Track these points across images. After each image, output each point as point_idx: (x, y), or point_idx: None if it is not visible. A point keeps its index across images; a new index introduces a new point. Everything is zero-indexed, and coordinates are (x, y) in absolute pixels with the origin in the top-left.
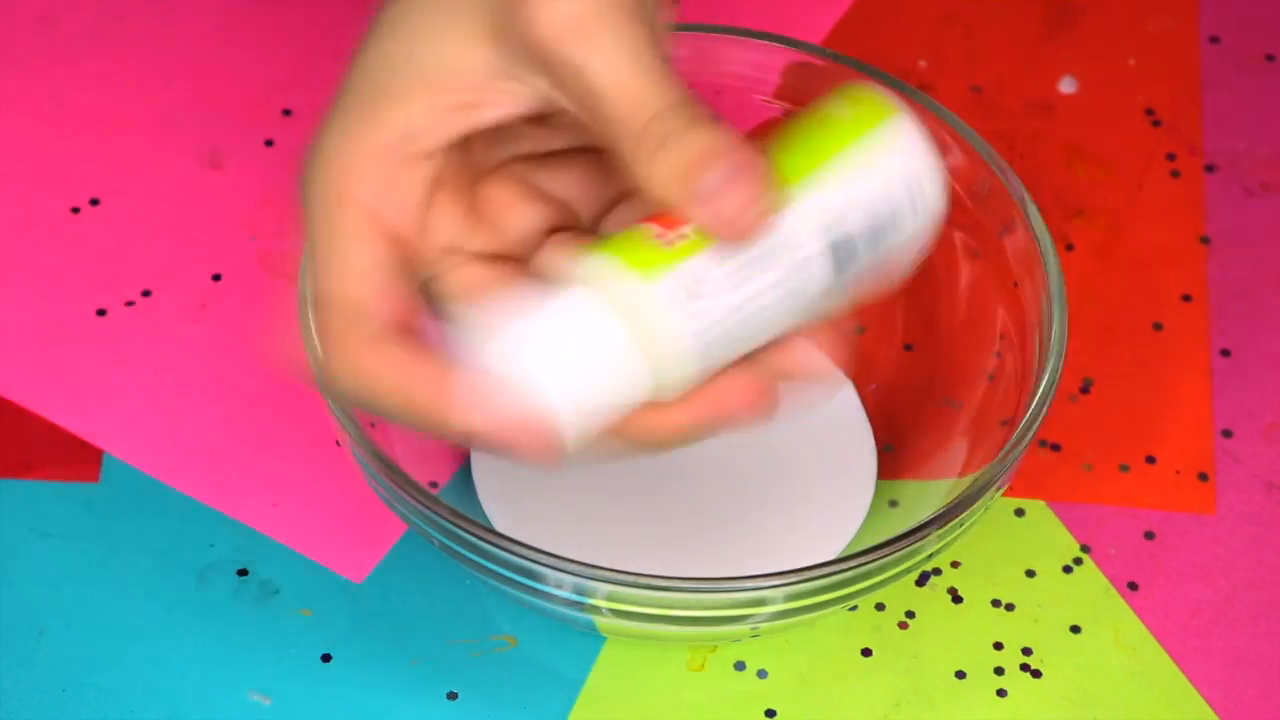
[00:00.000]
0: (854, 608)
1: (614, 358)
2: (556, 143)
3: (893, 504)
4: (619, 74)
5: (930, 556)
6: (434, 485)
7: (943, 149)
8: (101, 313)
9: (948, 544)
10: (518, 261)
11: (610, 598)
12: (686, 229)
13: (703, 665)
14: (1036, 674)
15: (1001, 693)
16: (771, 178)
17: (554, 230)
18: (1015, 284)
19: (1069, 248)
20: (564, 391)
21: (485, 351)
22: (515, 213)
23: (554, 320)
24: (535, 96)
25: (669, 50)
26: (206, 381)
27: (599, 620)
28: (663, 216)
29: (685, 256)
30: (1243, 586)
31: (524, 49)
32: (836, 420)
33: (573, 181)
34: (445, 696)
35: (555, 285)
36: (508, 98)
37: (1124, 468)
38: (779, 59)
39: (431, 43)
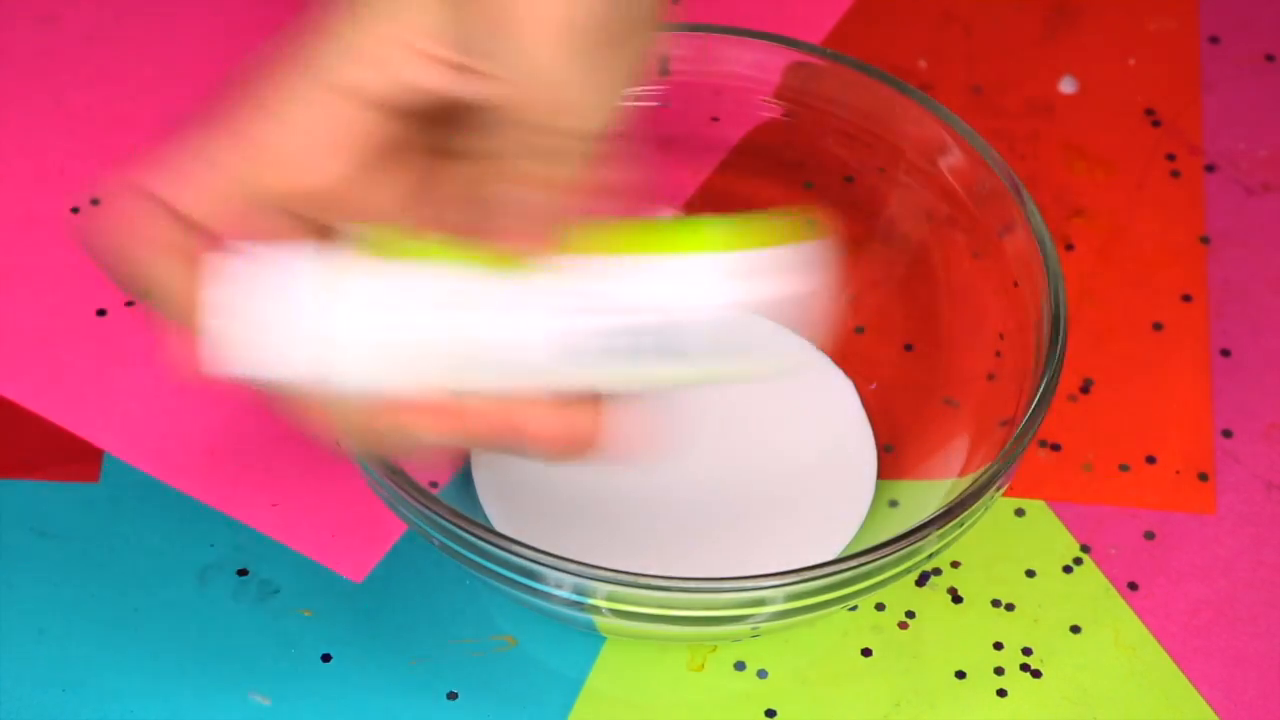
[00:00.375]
0: (854, 608)
1: (296, 312)
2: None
3: (893, 504)
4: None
5: (930, 556)
6: (434, 485)
7: (943, 149)
8: (101, 313)
9: (948, 544)
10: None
11: (610, 598)
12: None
13: (703, 665)
14: (1036, 674)
15: (1001, 693)
16: (561, 239)
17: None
18: (1015, 284)
19: (1069, 248)
20: (238, 319)
21: (217, 283)
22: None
23: (270, 271)
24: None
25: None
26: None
27: (599, 620)
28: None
29: (435, 257)
30: (1243, 586)
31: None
32: (836, 420)
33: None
34: (445, 696)
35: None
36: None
37: (1124, 468)
38: (779, 59)
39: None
